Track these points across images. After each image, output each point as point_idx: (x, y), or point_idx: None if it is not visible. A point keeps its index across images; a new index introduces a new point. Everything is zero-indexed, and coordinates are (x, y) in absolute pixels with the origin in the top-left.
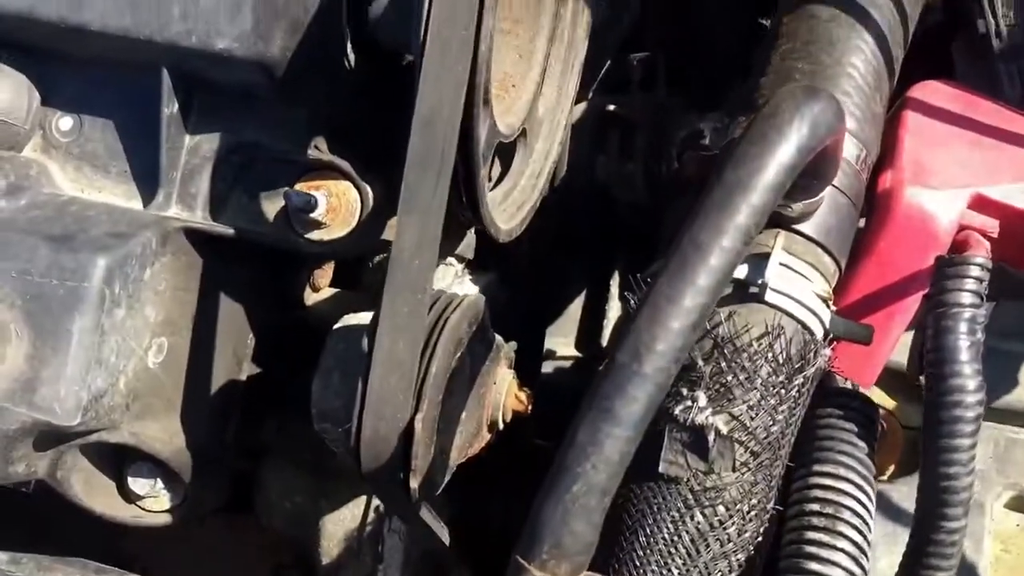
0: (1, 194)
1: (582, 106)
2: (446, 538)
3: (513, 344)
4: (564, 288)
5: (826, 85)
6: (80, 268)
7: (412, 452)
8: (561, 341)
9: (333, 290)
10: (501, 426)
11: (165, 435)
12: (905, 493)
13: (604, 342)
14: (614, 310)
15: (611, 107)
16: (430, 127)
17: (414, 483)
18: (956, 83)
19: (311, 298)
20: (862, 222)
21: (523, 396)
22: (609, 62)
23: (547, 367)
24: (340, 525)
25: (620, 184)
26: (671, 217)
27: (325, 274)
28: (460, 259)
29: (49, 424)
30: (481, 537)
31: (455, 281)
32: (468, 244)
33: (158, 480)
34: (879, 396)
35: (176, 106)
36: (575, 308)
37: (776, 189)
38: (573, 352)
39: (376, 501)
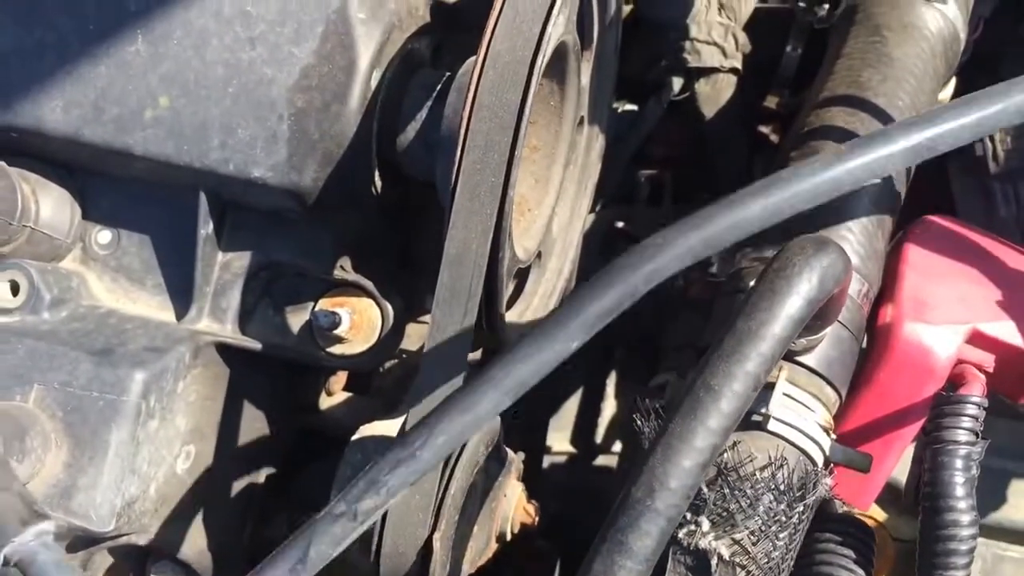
0: (45, 306)
1: (590, 218)
2: None
3: (521, 455)
4: (562, 386)
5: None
6: (119, 382)
7: (431, 569)
8: (558, 436)
9: (346, 395)
10: (508, 537)
11: (188, 537)
12: None
13: (598, 439)
14: (609, 409)
15: (619, 223)
16: (458, 265)
17: None
18: (956, 219)
19: (325, 402)
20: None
21: (531, 509)
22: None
23: (543, 462)
24: None
25: None
26: (673, 330)
27: (339, 380)
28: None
29: (84, 529)
30: None
31: None
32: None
33: None
34: (871, 508)
35: (211, 226)
36: (571, 405)
37: (785, 340)
38: (568, 448)
39: None
